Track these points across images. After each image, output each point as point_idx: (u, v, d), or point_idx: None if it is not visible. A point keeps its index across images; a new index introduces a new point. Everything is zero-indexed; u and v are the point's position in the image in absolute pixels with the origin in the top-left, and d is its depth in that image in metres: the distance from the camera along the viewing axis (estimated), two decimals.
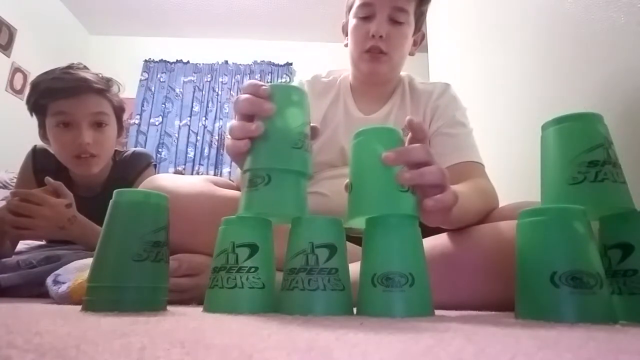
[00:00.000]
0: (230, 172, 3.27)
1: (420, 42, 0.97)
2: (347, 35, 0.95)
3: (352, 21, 0.89)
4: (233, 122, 0.47)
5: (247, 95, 0.46)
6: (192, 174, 3.30)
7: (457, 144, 0.84)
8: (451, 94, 0.93)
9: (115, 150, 1.08)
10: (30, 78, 2.79)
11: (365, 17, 0.86)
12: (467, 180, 0.75)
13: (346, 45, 0.94)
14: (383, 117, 0.91)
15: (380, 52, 0.86)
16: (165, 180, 0.68)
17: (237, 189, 0.76)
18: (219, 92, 3.53)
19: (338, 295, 0.43)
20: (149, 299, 0.44)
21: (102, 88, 0.97)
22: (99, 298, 0.42)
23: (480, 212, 0.70)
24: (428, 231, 0.65)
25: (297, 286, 0.43)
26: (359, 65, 0.90)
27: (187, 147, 3.37)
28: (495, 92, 1.50)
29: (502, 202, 0.79)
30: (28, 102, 0.96)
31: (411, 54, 0.95)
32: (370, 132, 0.48)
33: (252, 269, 0.45)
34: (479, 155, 0.85)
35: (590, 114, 0.48)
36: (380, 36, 0.84)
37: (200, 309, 0.48)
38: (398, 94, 0.94)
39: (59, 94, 0.92)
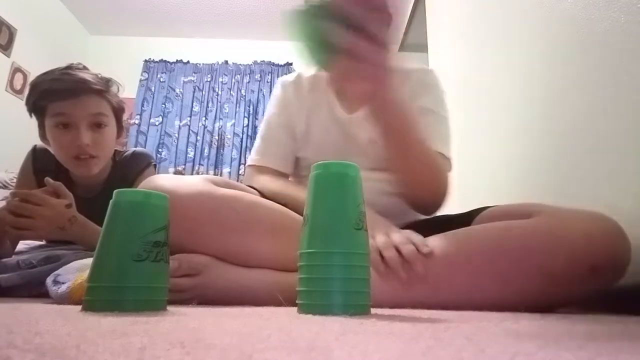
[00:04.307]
0: (230, 172, 3.27)
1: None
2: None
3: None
4: None
5: None
6: (192, 174, 3.30)
7: (427, 131, 0.81)
8: (429, 80, 0.90)
9: (115, 151, 1.08)
10: (30, 78, 2.79)
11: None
12: None
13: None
14: (365, 115, 0.90)
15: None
16: (165, 180, 0.68)
17: (236, 188, 0.75)
18: (219, 92, 3.53)
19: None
20: (149, 299, 0.44)
21: (101, 89, 0.97)
22: (99, 298, 0.42)
23: (423, 153, 0.71)
24: (428, 232, 0.65)
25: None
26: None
27: (187, 147, 3.37)
28: (495, 92, 1.50)
29: (499, 202, 0.79)
30: (27, 102, 0.96)
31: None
32: (328, 167, 0.48)
33: None
34: (446, 146, 0.83)
35: None
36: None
37: (201, 309, 0.48)
38: None
39: (57, 95, 0.92)
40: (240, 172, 3.28)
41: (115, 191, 0.47)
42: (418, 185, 0.77)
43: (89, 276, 0.44)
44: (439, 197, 0.80)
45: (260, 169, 0.92)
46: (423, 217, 0.90)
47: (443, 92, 0.90)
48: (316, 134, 0.92)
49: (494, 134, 1.49)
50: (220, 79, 3.56)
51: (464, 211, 0.81)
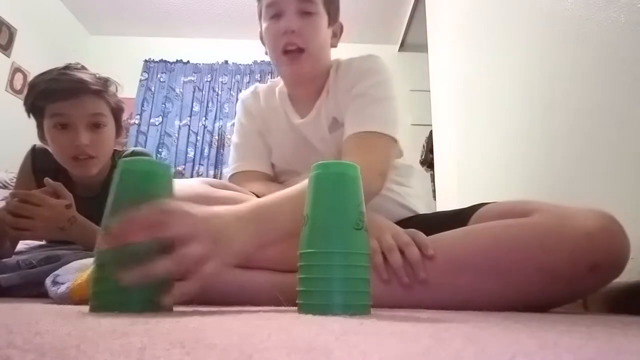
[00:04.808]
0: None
1: (340, 33, 0.95)
2: (263, 44, 0.94)
3: (264, 25, 0.88)
4: None
5: None
6: (192, 174, 3.30)
7: (357, 114, 0.81)
8: (365, 65, 0.88)
9: (115, 150, 1.08)
10: (30, 78, 2.78)
11: (274, 15, 0.85)
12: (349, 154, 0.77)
13: (266, 53, 0.93)
14: (314, 117, 0.90)
15: (298, 50, 0.84)
16: None
17: (233, 189, 0.76)
18: (219, 92, 3.53)
19: None
20: (155, 300, 0.44)
21: (99, 89, 0.97)
22: (105, 299, 0.42)
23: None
24: (425, 230, 0.65)
25: None
26: (281, 69, 0.90)
27: (187, 147, 3.37)
28: (495, 92, 1.50)
29: (499, 201, 0.79)
30: (26, 103, 0.96)
31: (333, 45, 0.94)
32: (327, 167, 0.48)
33: None
34: (381, 124, 0.79)
35: None
36: (293, 31, 0.82)
37: (201, 309, 0.48)
38: (326, 89, 0.91)
39: (55, 96, 0.92)
40: None
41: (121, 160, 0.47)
42: None
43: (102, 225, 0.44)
44: (375, 191, 0.76)
45: (246, 175, 0.91)
46: (410, 214, 0.90)
47: (382, 74, 0.87)
48: (276, 139, 0.94)
49: (493, 133, 1.49)
50: (220, 79, 3.56)
51: (461, 208, 0.81)
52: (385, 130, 0.79)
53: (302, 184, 0.56)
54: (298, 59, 0.85)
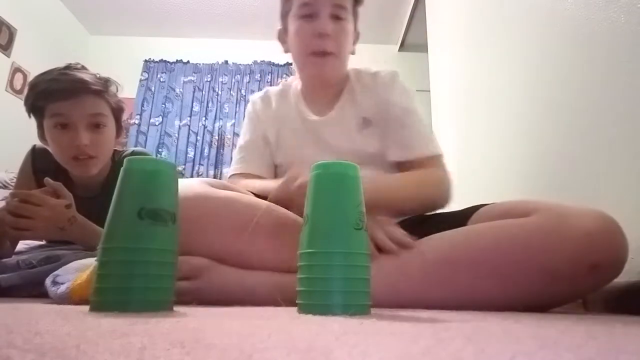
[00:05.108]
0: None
1: (356, 41, 0.98)
2: (284, 42, 0.96)
3: (294, 23, 0.88)
4: None
5: None
6: (192, 174, 3.30)
7: (410, 136, 0.86)
8: (399, 83, 0.93)
9: (115, 150, 1.07)
10: (30, 78, 2.78)
11: (307, 15, 0.86)
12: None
13: (286, 52, 0.94)
14: (336, 116, 0.92)
15: (326, 53, 0.86)
16: None
17: (233, 189, 0.76)
18: (219, 92, 3.53)
19: None
20: (156, 300, 0.44)
21: (100, 89, 0.96)
22: (106, 298, 0.42)
23: (412, 199, 0.77)
24: (425, 231, 0.65)
25: None
26: (306, 69, 0.91)
27: (187, 147, 3.37)
28: (494, 92, 1.50)
29: (499, 201, 0.79)
30: (26, 103, 0.96)
31: (352, 52, 0.95)
32: (327, 167, 0.48)
33: None
34: (431, 144, 0.87)
35: None
36: (327, 34, 0.84)
37: (201, 309, 0.48)
38: (347, 92, 0.94)
39: (56, 96, 0.92)
40: None
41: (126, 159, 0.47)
42: (426, 210, 0.82)
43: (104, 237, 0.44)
44: (445, 201, 0.83)
45: (245, 177, 0.93)
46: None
47: (413, 90, 0.94)
48: (287, 139, 0.95)
49: (493, 133, 1.49)
50: (220, 79, 3.56)
51: (460, 208, 0.81)
52: (437, 150, 0.87)
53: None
54: (326, 61, 0.86)
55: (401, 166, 0.87)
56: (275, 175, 0.97)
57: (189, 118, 3.45)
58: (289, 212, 0.71)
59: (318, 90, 0.95)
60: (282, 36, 0.96)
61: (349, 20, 0.88)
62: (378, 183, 0.75)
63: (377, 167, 0.88)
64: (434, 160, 0.85)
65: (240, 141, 1.00)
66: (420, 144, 0.86)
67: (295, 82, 1.00)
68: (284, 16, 0.93)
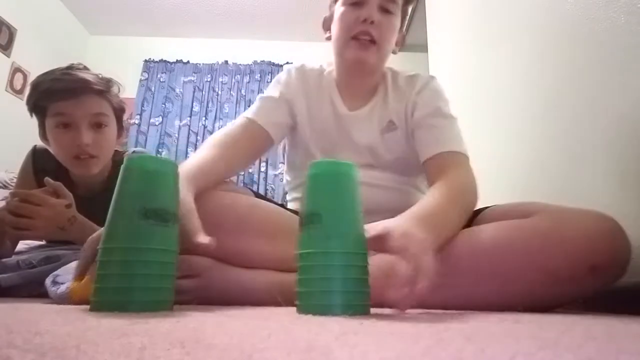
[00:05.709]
0: None
1: (402, 42, 0.96)
2: (327, 29, 0.94)
3: (340, 9, 0.87)
4: None
5: None
6: None
7: (439, 135, 0.84)
8: (434, 86, 0.92)
9: (115, 151, 1.07)
10: (30, 78, 2.79)
11: (355, 3, 0.85)
12: (447, 173, 0.75)
13: (328, 39, 0.92)
14: (366, 113, 0.91)
15: (370, 41, 0.84)
16: None
17: (233, 190, 0.76)
18: (219, 92, 3.53)
19: None
20: (156, 300, 0.44)
21: (102, 89, 0.97)
22: (105, 299, 0.42)
23: (462, 219, 0.69)
24: None
25: None
26: (345, 53, 0.88)
27: (187, 147, 3.37)
28: (495, 92, 1.50)
29: (500, 202, 0.79)
30: (28, 102, 0.96)
31: (394, 52, 0.94)
32: (326, 167, 0.48)
33: None
34: (462, 145, 0.84)
35: None
36: (372, 22, 0.83)
37: (201, 309, 0.48)
38: (381, 90, 0.93)
39: (58, 95, 0.92)
40: (240, 172, 3.28)
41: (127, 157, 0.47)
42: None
43: (103, 239, 0.44)
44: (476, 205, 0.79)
45: (250, 122, 0.87)
46: None
47: (447, 97, 0.93)
48: (318, 125, 0.93)
49: (494, 134, 1.49)
50: (220, 79, 3.56)
51: None
52: (466, 150, 0.85)
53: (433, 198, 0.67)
54: (368, 47, 0.85)
55: (429, 165, 0.82)
56: (298, 156, 0.96)
57: (189, 118, 3.45)
58: (286, 211, 0.71)
59: (353, 80, 0.93)
60: (327, 22, 0.94)
61: (397, 15, 0.87)
62: (447, 223, 0.65)
63: (393, 171, 0.88)
64: (462, 159, 0.81)
65: (262, 96, 0.95)
66: (452, 141, 0.83)
67: (330, 68, 0.97)
68: (332, 4, 0.92)
